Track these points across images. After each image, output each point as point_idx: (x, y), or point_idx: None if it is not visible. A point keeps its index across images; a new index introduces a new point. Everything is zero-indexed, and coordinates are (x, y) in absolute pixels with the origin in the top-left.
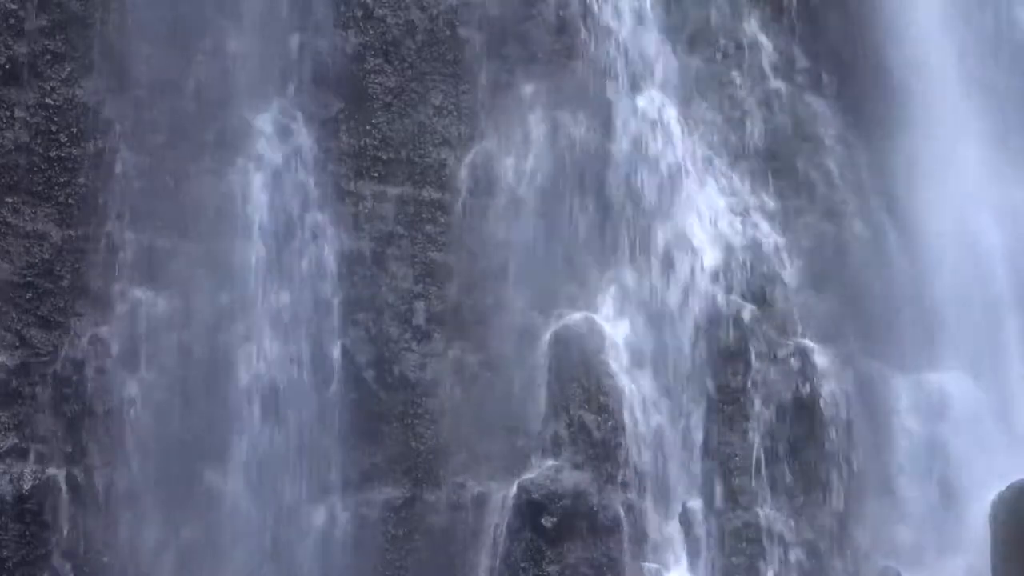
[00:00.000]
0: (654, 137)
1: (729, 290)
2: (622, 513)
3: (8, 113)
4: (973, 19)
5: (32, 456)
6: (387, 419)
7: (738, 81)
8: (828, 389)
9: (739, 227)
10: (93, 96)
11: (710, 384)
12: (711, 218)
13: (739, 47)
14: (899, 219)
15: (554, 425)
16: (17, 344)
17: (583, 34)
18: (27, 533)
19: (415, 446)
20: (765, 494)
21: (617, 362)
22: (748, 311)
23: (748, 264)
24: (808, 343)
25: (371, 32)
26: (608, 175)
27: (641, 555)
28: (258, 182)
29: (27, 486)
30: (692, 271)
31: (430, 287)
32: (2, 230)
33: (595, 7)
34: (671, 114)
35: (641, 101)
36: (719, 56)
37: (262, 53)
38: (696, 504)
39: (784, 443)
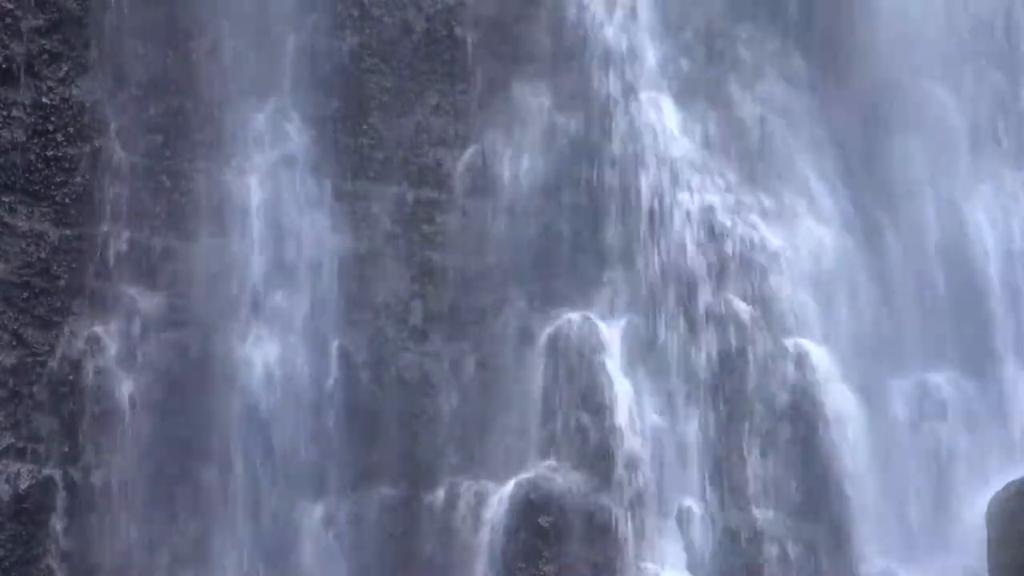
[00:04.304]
0: (650, 137)
1: (727, 290)
2: (619, 513)
3: (5, 113)
4: (970, 20)
5: (29, 456)
6: (384, 419)
7: (734, 81)
8: (826, 389)
9: (736, 227)
10: (89, 96)
11: (707, 384)
12: (708, 218)
13: (735, 47)
14: (896, 219)
15: (551, 425)
16: (14, 344)
17: (579, 34)
18: (23, 533)
19: (412, 446)
20: (762, 494)
21: (614, 362)
22: (746, 311)
23: (746, 264)
24: (806, 343)
25: (368, 32)
26: (604, 175)
27: (638, 555)
28: (254, 182)
29: (24, 485)
30: (690, 271)
31: (427, 287)
32: None
33: (591, 7)
34: (667, 114)
35: (637, 101)
36: (715, 56)
37: (259, 53)
38: (693, 504)
39: (781, 443)
